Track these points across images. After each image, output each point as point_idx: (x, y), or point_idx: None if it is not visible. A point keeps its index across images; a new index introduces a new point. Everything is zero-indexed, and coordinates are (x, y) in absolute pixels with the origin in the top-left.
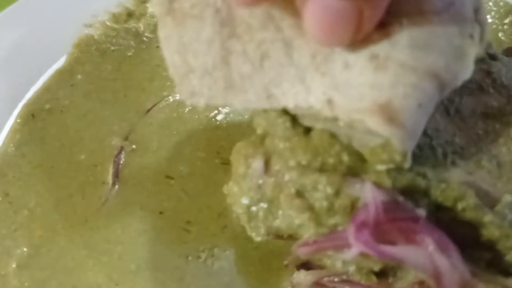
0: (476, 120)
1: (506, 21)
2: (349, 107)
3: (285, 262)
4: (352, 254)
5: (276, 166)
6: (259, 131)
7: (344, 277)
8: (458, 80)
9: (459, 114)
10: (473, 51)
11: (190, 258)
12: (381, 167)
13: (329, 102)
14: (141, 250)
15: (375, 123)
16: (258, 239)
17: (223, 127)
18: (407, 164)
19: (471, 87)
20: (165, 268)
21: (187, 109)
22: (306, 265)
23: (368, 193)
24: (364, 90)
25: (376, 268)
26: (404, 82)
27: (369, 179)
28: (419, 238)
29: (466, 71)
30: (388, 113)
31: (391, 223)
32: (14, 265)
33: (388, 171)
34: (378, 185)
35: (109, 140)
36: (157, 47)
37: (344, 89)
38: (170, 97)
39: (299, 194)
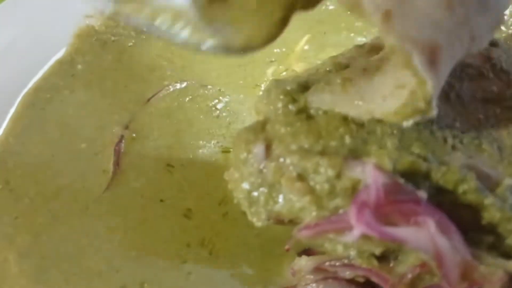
0: (476, 105)
1: (506, 12)
2: (402, 31)
3: (286, 247)
4: (354, 236)
5: (277, 150)
6: (260, 117)
7: (346, 261)
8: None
9: (460, 99)
10: None
11: (191, 245)
12: (407, 123)
13: (387, 14)
14: (142, 238)
15: (419, 61)
16: (259, 224)
17: (223, 116)
18: (433, 112)
19: (471, 73)
20: (166, 255)
21: (187, 98)
22: (307, 251)
23: (369, 175)
24: (425, 23)
25: (377, 251)
26: (457, 33)
27: (370, 162)
28: (420, 219)
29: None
30: (434, 56)
31: (392, 205)
32: (15, 253)
33: (389, 154)
34: (379, 167)
35: (110, 129)
36: (157, 37)
37: (408, 7)
38: (170, 87)
39: (301, 177)
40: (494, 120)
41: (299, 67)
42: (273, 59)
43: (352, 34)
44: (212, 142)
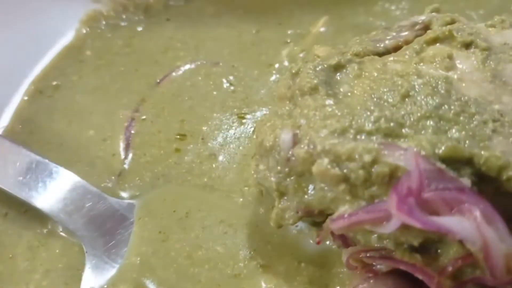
0: None
1: None
2: None
3: (317, 239)
4: (393, 226)
5: (306, 137)
6: (285, 103)
7: (384, 252)
8: None
9: (502, 81)
10: None
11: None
12: None
13: None
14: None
15: None
16: (289, 222)
17: (239, 90)
18: None
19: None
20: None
21: (200, 77)
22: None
23: (411, 161)
24: None
25: (416, 242)
26: None
27: (411, 146)
28: (465, 208)
29: None
30: None
31: (434, 193)
32: (24, 247)
33: (428, 138)
34: (420, 152)
35: (118, 114)
36: (167, 20)
37: None
38: (182, 68)
39: (333, 165)
40: None
41: (316, 50)
42: (288, 40)
43: (371, 19)
44: (227, 113)
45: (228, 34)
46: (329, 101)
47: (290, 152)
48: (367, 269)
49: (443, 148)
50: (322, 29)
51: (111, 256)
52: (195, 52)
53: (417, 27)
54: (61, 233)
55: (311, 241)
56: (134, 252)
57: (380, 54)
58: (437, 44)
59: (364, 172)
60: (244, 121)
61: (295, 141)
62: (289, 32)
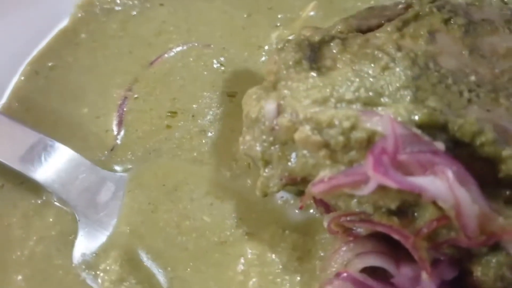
0: (495, 60)
1: None
2: None
3: (300, 204)
4: (370, 188)
5: (289, 106)
6: (271, 77)
7: (363, 216)
8: None
9: (479, 54)
10: None
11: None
12: None
13: None
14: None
15: None
16: (274, 189)
17: (229, 71)
18: None
19: (491, 29)
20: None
21: (191, 58)
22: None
23: (386, 125)
24: None
25: (393, 205)
26: None
27: (387, 112)
28: (438, 170)
29: None
30: None
31: (409, 155)
32: (19, 215)
33: (405, 106)
34: (396, 118)
35: (112, 93)
36: (161, 5)
37: None
38: (174, 49)
39: (314, 132)
40: (510, 74)
41: (304, 30)
42: (278, 24)
43: (359, 3)
44: (217, 92)
45: (220, 18)
46: (312, 74)
47: (274, 122)
48: (347, 233)
49: (419, 115)
50: (311, 14)
51: (103, 224)
52: (187, 35)
53: (400, 6)
54: (55, 203)
55: (296, 211)
56: (124, 221)
57: (364, 32)
58: (418, 20)
59: (343, 138)
60: (233, 99)
61: (279, 111)
62: (279, 16)
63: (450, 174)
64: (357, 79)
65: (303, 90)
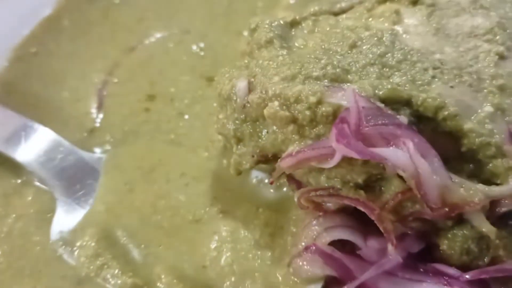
0: (460, 39)
1: None
2: None
3: (270, 180)
4: (336, 160)
5: (260, 84)
6: (244, 58)
7: (331, 191)
8: None
9: (445, 34)
10: None
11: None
12: None
13: None
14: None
15: None
16: (247, 166)
17: (209, 56)
18: None
19: (457, 10)
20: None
21: (172, 44)
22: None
23: (350, 98)
24: None
25: (360, 179)
26: None
27: (351, 87)
28: (400, 141)
29: None
30: None
31: (372, 128)
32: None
33: (370, 81)
34: (359, 92)
35: (92, 77)
36: None
37: None
38: (155, 35)
39: (282, 107)
40: (475, 52)
41: (280, 15)
42: (258, 11)
43: None
44: (196, 76)
45: (200, 6)
46: (283, 52)
47: (245, 99)
48: (317, 208)
49: (383, 90)
50: (291, 1)
51: (81, 203)
52: (168, 22)
53: None
54: (36, 183)
55: (271, 190)
56: (100, 201)
57: (336, 14)
58: (387, 3)
59: (310, 112)
60: (211, 83)
61: (250, 88)
62: (259, 4)
63: (411, 145)
64: (325, 57)
65: (273, 68)
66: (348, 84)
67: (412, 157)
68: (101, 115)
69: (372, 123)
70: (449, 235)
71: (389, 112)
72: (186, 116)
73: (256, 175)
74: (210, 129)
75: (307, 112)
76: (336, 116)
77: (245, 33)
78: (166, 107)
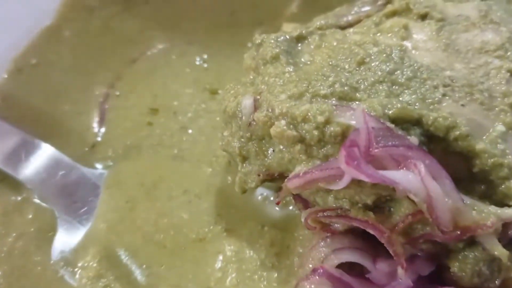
0: (470, 55)
1: None
2: None
3: (277, 200)
4: (344, 181)
5: (266, 102)
6: (248, 72)
7: (339, 211)
8: None
9: (455, 50)
10: None
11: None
12: None
13: None
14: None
15: None
16: (252, 185)
17: (213, 68)
18: None
19: (467, 24)
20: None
21: (174, 55)
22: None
23: (359, 118)
24: None
25: (369, 200)
26: None
27: (361, 106)
28: (411, 164)
29: None
30: None
31: (382, 149)
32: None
33: (379, 100)
34: (369, 112)
35: (94, 90)
36: (146, 2)
37: None
38: (158, 46)
39: (290, 126)
40: (486, 69)
41: (285, 27)
42: (262, 21)
43: (343, 1)
44: (199, 89)
45: (203, 17)
46: (289, 69)
47: (251, 117)
48: (325, 229)
49: (393, 109)
50: (295, 11)
51: (82, 221)
52: (171, 33)
53: (379, 2)
54: (35, 200)
55: (276, 208)
56: (101, 218)
57: (342, 28)
58: (395, 16)
59: (318, 132)
60: (215, 96)
61: (256, 106)
62: (263, 15)
63: (422, 167)
64: (333, 74)
65: (280, 85)
66: (357, 102)
67: (424, 180)
68: (102, 129)
69: (382, 145)
70: (460, 257)
71: (399, 132)
72: (190, 131)
73: (262, 192)
74: (214, 143)
75: (315, 132)
76: (345, 136)
77: (249, 44)
78: (169, 121)
